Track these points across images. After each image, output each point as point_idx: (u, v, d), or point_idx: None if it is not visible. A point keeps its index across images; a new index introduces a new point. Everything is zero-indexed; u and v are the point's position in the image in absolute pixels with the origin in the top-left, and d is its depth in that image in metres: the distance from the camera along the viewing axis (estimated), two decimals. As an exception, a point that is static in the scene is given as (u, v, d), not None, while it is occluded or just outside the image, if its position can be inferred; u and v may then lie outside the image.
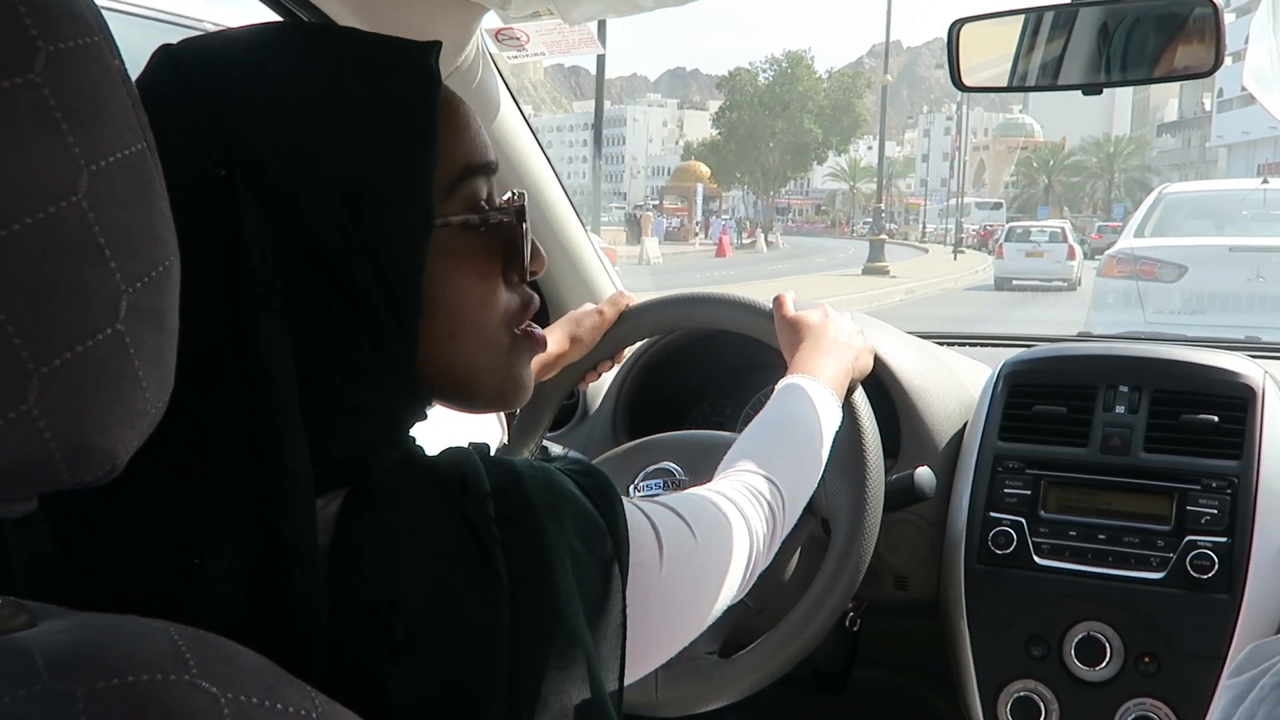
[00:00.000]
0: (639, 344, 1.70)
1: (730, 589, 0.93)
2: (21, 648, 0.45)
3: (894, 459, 1.57)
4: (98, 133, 0.46)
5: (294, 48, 0.69)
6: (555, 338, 1.48)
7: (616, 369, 1.70)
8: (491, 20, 1.50)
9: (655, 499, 0.90)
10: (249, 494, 0.61)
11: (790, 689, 1.45)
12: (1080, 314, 10.31)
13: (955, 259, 34.15)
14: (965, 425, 1.66)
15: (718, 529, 0.92)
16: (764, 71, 67.02)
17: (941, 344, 1.91)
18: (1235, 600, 1.40)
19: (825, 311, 1.37)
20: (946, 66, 1.53)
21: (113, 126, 0.47)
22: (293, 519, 0.60)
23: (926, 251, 43.82)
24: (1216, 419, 1.52)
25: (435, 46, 0.71)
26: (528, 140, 1.73)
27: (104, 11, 0.49)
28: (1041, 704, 1.49)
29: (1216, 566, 1.41)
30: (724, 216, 59.91)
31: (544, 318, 1.59)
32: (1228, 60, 1.35)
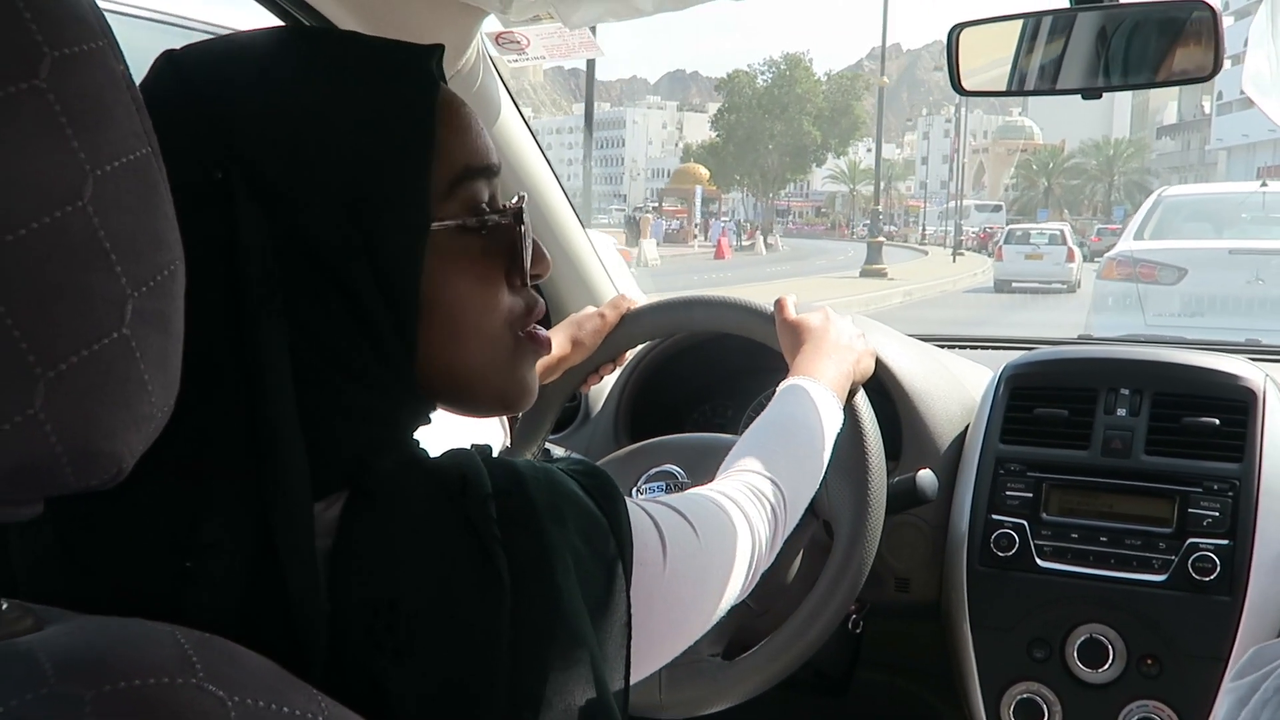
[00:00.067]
0: (640, 347, 1.71)
1: (733, 589, 0.93)
2: (28, 651, 0.45)
3: (896, 461, 1.57)
4: (102, 138, 0.46)
5: (294, 51, 0.69)
6: (557, 341, 1.48)
7: (618, 372, 1.70)
8: (492, 24, 1.50)
9: (658, 499, 0.90)
10: (248, 495, 0.61)
11: (793, 691, 1.46)
12: (1080, 316, 10.32)
13: (954, 261, 34.14)
14: (967, 428, 1.66)
15: (721, 529, 0.92)
16: (762, 74, 67.05)
17: (943, 347, 1.91)
18: (1237, 602, 1.40)
19: (826, 314, 1.37)
20: (946, 70, 1.53)
21: (117, 131, 0.47)
22: (291, 521, 0.60)
23: (926, 254, 43.83)
24: (1217, 422, 1.52)
25: (435, 50, 0.72)
26: (528, 143, 1.73)
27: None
28: (1044, 706, 1.49)
29: (1218, 569, 1.42)
30: (723, 219, 59.90)
31: (545, 321, 1.59)
32: (1227, 63, 1.36)
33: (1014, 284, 22.75)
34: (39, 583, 0.61)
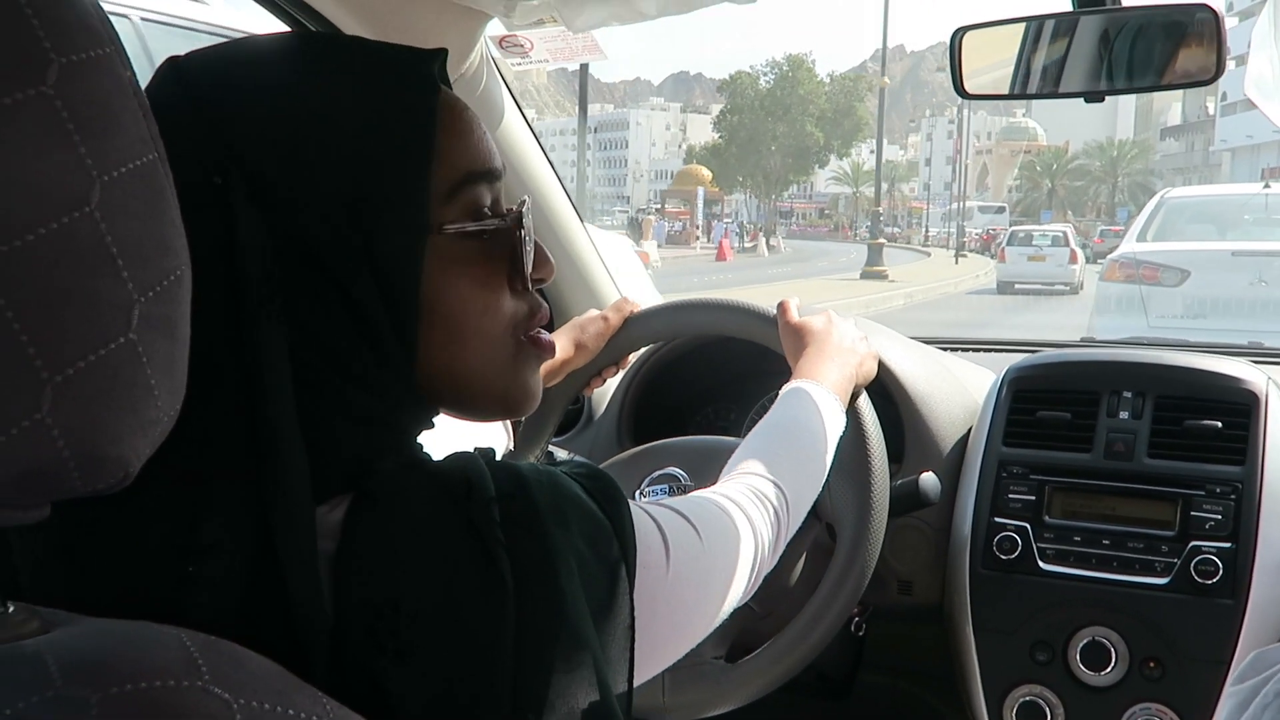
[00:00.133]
0: (644, 350, 1.71)
1: (736, 591, 0.93)
2: (35, 654, 0.45)
3: (898, 464, 1.57)
4: (109, 144, 0.46)
5: (294, 56, 0.69)
6: (560, 344, 1.48)
7: (621, 375, 1.70)
8: (496, 27, 1.50)
9: (661, 502, 0.90)
10: (249, 497, 0.61)
11: (796, 694, 1.46)
12: (1083, 318, 10.31)
13: (957, 263, 34.08)
14: (969, 430, 1.66)
15: (723, 531, 0.92)
16: (765, 75, 66.98)
17: (945, 349, 1.91)
18: (1239, 605, 1.41)
19: (829, 317, 1.37)
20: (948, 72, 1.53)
21: (124, 137, 0.47)
22: (291, 522, 0.61)
23: (928, 255, 43.79)
24: (1220, 424, 1.52)
25: (437, 54, 0.72)
26: (531, 146, 1.73)
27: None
28: (1047, 709, 1.49)
29: (1221, 572, 1.42)
30: (726, 220, 59.89)
31: (549, 324, 1.59)
32: (1231, 64, 1.36)
33: (1017, 285, 22.75)
34: (41, 585, 0.61)
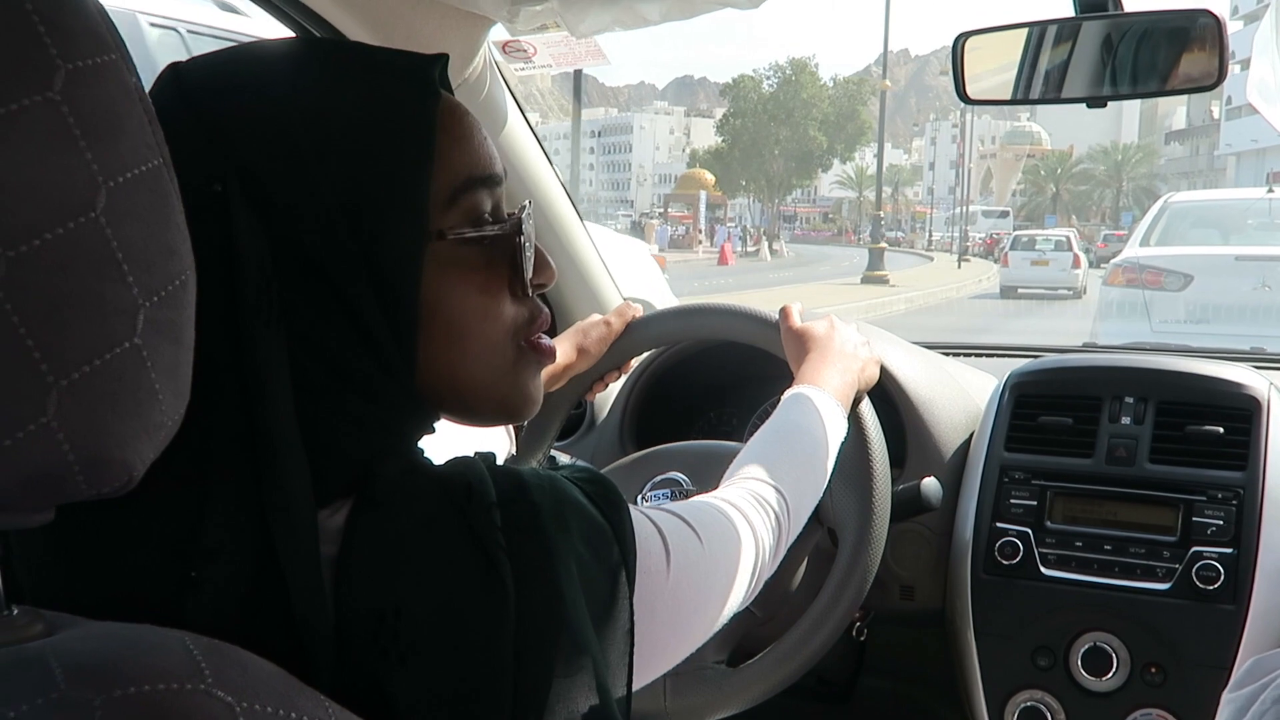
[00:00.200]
0: (646, 355, 1.71)
1: (737, 596, 0.93)
2: (39, 656, 0.45)
3: (900, 469, 1.57)
4: (115, 149, 0.46)
5: (294, 61, 0.69)
6: (562, 348, 1.48)
7: (623, 380, 1.71)
8: (499, 32, 1.50)
9: (661, 506, 0.90)
10: (250, 502, 0.61)
11: (797, 698, 1.46)
12: (1086, 323, 10.30)
13: (959, 267, 34.03)
14: (971, 436, 1.66)
15: (724, 536, 0.92)
16: (768, 79, 66.98)
17: (947, 354, 1.92)
18: (1241, 611, 1.41)
19: (831, 322, 1.38)
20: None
21: (130, 143, 0.47)
22: (292, 527, 0.61)
23: (931, 260, 43.72)
24: (1222, 430, 1.52)
25: (438, 59, 0.72)
26: (534, 151, 1.73)
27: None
28: (1048, 714, 1.49)
29: (1222, 577, 1.42)
30: (730, 224, 59.92)
31: (551, 329, 1.59)
32: (1236, 68, 1.36)
33: (1020, 290, 22.75)
34: (40, 588, 0.61)
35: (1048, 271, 22.86)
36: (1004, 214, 66.12)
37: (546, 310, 0.79)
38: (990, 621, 1.53)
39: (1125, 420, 1.57)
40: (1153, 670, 1.44)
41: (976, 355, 2.13)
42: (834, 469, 1.19)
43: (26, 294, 0.43)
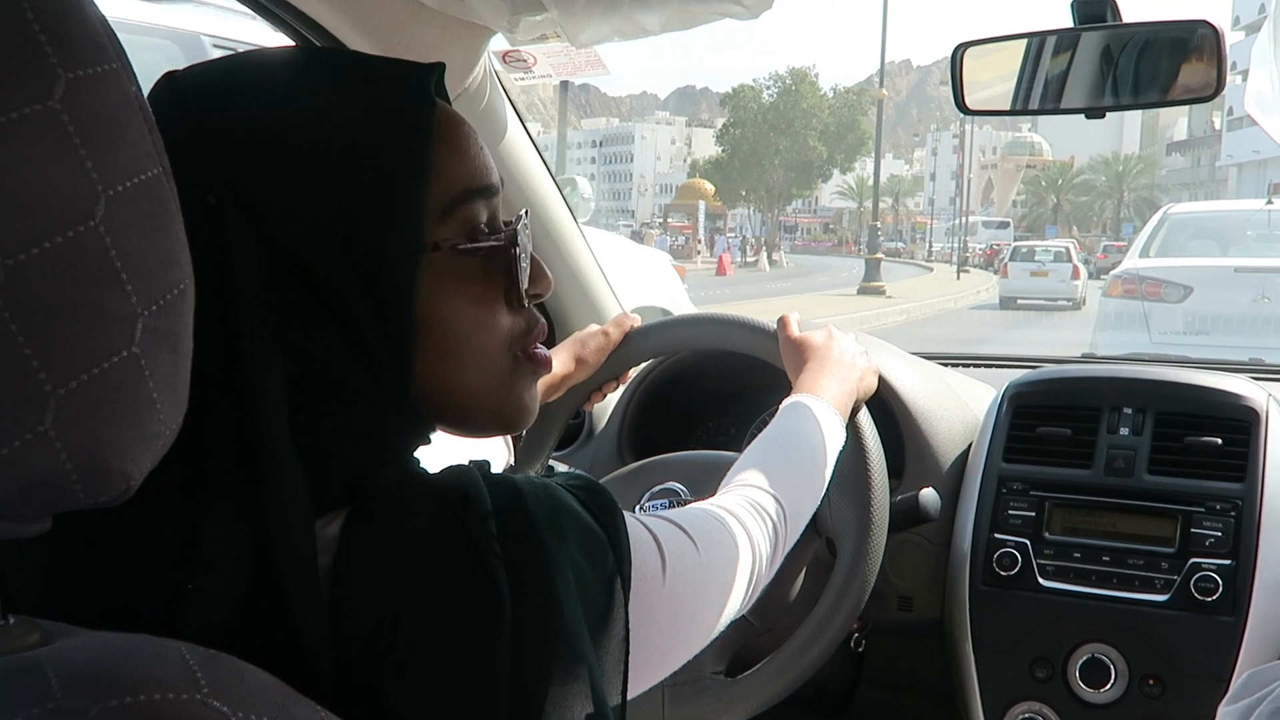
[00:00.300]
0: (644, 365, 1.71)
1: (734, 603, 0.93)
2: (35, 666, 0.45)
3: (899, 479, 1.57)
4: (115, 158, 0.46)
5: (289, 70, 0.69)
6: (560, 359, 1.48)
7: (622, 390, 1.71)
8: (499, 42, 1.51)
9: (657, 514, 0.90)
10: (246, 513, 0.61)
11: (796, 709, 1.45)
12: (1085, 334, 10.30)
13: (959, 278, 34.01)
14: (970, 446, 1.66)
15: (721, 543, 0.92)
16: (768, 88, 67.04)
17: (946, 365, 1.92)
18: (1239, 623, 1.40)
19: (829, 332, 1.38)
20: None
21: (130, 152, 0.47)
22: (289, 538, 0.61)
23: (931, 270, 43.73)
24: (1220, 441, 1.52)
25: (434, 68, 0.71)
26: (534, 161, 1.73)
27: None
28: (1046, 726, 1.49)
29: (1220, 589, 1.42)
30: (730, 235, 59.94)
31: (549, 339, 1.60)
32: (1237, 79, 1.36)
33: (1019, 301, 22.77)
34: (33, 597, 0.61)
35: (1047, 282, 22.88)
36: (1004, 225, 66.04)
37: (543, 320, 0.78)
38: (988, 633, 1.53)
39: (1124, 431, 1.57)
40: (1151, 682, 1.44)
41: (975, 366, 2.14)
42: (832, 479, 1.19)
43: (25, 302, 0.43)
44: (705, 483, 1.43)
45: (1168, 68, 1.40)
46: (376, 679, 0.61)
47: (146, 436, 0.48)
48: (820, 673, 1.36)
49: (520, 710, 0.64)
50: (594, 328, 1.57)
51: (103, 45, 0.47)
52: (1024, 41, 1.48)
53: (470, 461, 0.72)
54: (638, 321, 1.58)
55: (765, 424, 1.21)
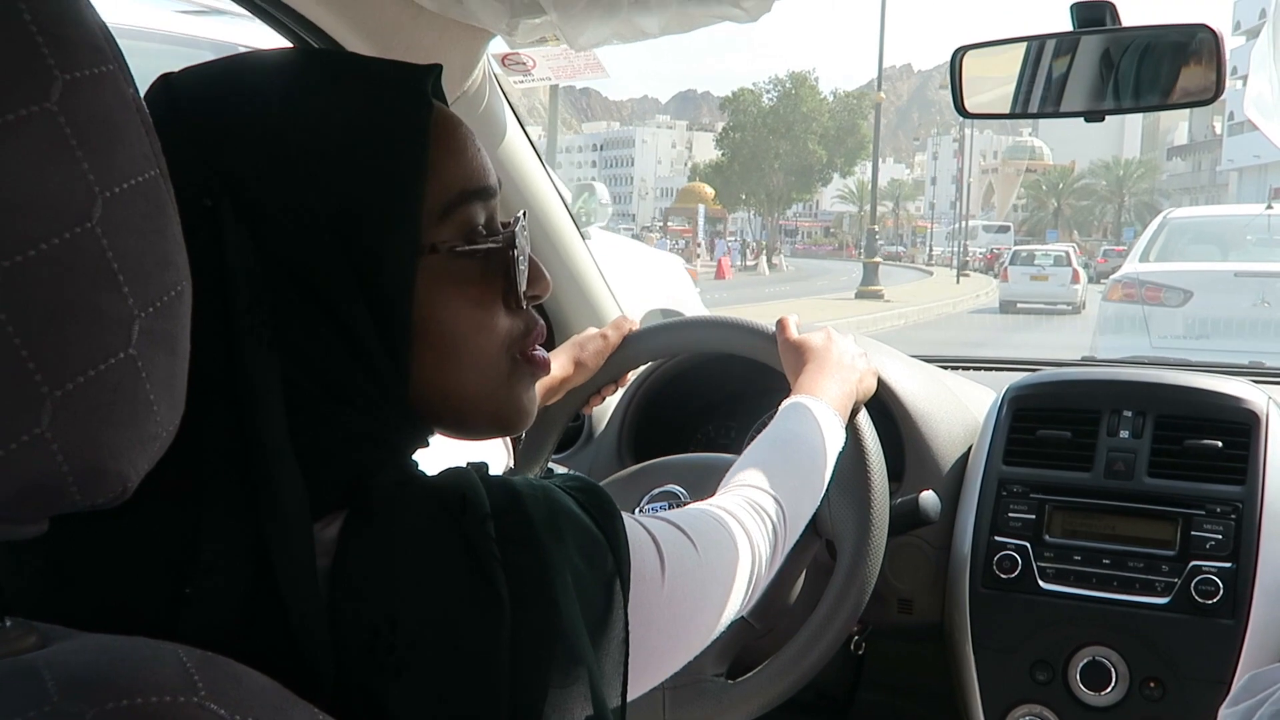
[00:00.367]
0: (643, 367, 1.71)
1: (733, 604, 0.93)
2: (32, 669, 0.45)
3: (898, 482, 1.57)
4: (112, 160, 0.46)
5: (285, 72, 0.69)
6: (559, 362, 1.48)
7: (621, 392, 1.71)
8: (498, 45, 1.51)
9: (657, 515, 0.90)
10: (244, 516, 0.61)
11: (796, 712, 1.45)
12: (1085, 338, 10.30)
13: (958, 282, 33.99)
14: (970, 449, 1.66)
15: (720, 544, 0.92)
16: (767, 92, 67.00)
17: (945, 367, 1.92)
18: (1240, 625, 1.40)
19: (828, 334, 1.38)
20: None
21: (127, 153, 0.47)
22: (288, 541, 0.61)
23: (931, 274, 43.71)
24: (1220, 444, 1.52)
25: (431, 70, 0.71)
26: (533, 163, 1.73)
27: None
28: (1047, 729, 1.49)
29: (1221, 592, 1.41)
30: (730, 238, 59.97)
31: (549, 341, 1.60)
32: (1237, 83, 1.36)
33: (1019, 305, 22.79)
34: (34, 601, 0.61)
35: (1047, 287, 22.90)
36: (1004, 229, 65.93)
37: (542, 322, 0.78)
38: (989, 635, 1.53)
39: (1124, 434, 1.57)
40: (1151, 685, 1.44)
41: (975, 368, 2.13)
42: (831, 481, 1.19)
43: (21, 304, 0.43)
44: (704, 485, 1.42)
45: (1168, 71, 1.40)
46: (375, 681, 0.61)
47: (143, 438, 0.48)
48: (820, 675, 1.36)
49: (519, 713, 0.64)
50: (593, 331, 1.57)
51: (100, 47, 0.47)
52: (1023, 45, 1.48)
53: (468, 464, 0.71)
54: (636, 325, 1.58)
55: (765, 426, 1.21)
